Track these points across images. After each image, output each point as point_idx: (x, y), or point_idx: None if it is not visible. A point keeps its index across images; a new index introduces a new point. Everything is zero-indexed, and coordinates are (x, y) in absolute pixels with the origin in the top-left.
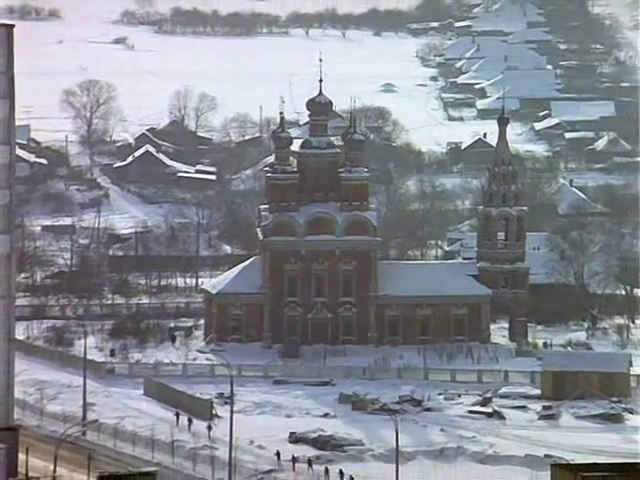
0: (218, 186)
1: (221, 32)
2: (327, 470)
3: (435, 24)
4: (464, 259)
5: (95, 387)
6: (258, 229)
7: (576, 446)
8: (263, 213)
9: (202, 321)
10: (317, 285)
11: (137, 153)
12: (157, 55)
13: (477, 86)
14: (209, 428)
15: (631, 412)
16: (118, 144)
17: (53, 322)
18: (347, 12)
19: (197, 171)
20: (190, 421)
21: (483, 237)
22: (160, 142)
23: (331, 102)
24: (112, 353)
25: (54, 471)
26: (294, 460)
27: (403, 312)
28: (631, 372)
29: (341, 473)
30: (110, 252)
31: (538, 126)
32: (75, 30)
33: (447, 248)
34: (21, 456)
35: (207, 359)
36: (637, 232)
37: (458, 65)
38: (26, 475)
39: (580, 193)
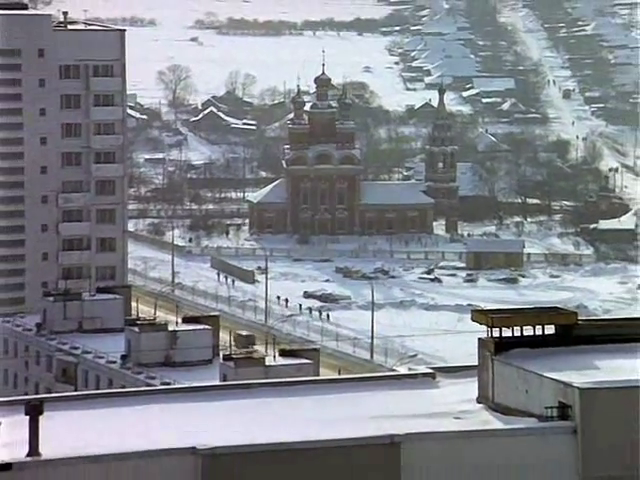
0: (257, 133)
1: (259, 33)
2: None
3: (397, 28)
4: (416, 180)
5: (179, 262)
6: (283, 161)
7: (487, 298)
8: (286, 150)
9: (247, 220)
10: (321, 197)
11: (205, 112)
12: (218, 49)
13: (425, 68)
14: (233, 282)
15: (523, 277)
16: (192, 106)
17: (152, 220)
18: (341, 20)
19: (244, 124)
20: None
21: (429, 166)
22: (219, 105)
23: (330, 79)
24: (190, 240)
25: (154, 314)
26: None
27: (377, 215)
28: (523, 252)
29: (319, 312)
30: (188, 175)
31: (465, 94)
32: (165, 33)
33: (405, 173)
34: (133, 304)
35: (250, 245)
36: (529, 162)
37: (412, 55)
38: (137, 316)
39: (492, 137)
